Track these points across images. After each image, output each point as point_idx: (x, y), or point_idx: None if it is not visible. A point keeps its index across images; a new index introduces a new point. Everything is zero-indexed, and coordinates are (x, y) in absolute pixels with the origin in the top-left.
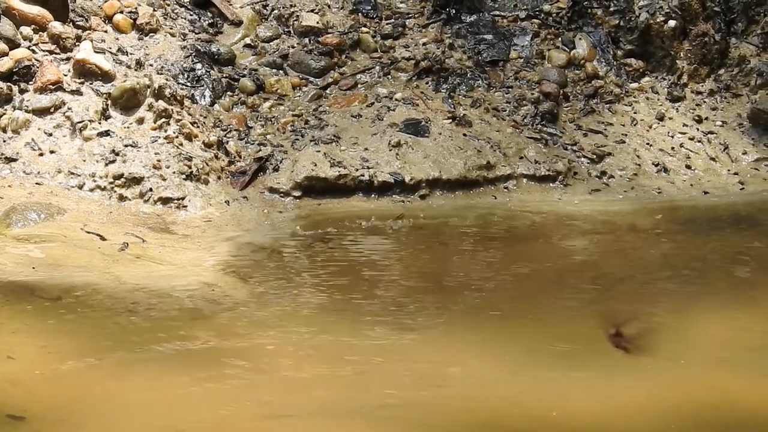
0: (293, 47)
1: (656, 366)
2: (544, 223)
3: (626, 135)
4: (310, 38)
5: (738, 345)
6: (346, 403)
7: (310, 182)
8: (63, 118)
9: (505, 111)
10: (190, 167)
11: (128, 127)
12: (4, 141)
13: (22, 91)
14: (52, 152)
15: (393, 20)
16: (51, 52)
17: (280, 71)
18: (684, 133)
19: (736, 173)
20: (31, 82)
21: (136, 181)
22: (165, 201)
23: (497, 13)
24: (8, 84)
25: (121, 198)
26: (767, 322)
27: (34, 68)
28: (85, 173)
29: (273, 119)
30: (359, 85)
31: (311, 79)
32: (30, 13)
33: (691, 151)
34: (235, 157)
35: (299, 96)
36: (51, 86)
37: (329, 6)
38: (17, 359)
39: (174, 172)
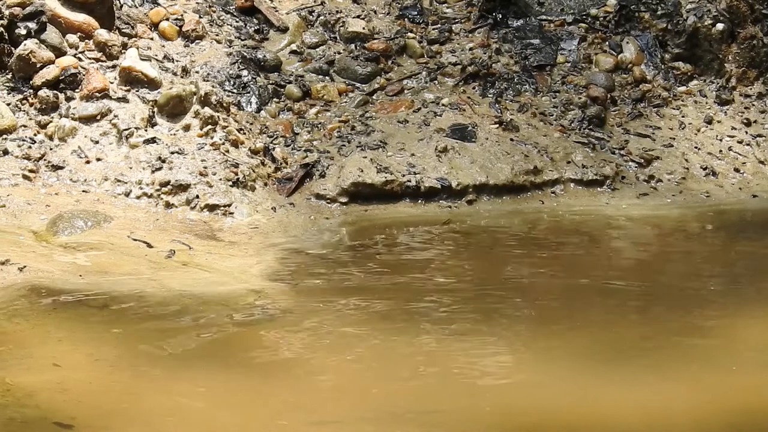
0: (339, 53)
1: (706, 371)
2: (592, 228)
3: (674, 139)
4: (357, 44)
5: None
6: (392, 409)
7: (356, 188)
8: (109, 126)
9: (553, 115)
10: (236, 174)
11: (174, 134)
12: (51, 149)
13: (68, 99)
14: (98, 160)
15: (439, 25)
16: (97, 60)
17: (327, 77)
18: (732, 137)
19: None
20: (77, 90)
21: (183, 188)
22: (211, 208)
23: (544, 17)
24: (55, 92)
25: (168, 205)
26: None
27: (81, 76)
28: (131, 180)
29: (319, 125)
30: (406, 91)
31: (357, 85)
32: (76, 21)
33: (740, 154)
34: (281, 164)
35: (345, 102)
36: (97, 94)
37: (375, 12)
38: (64, 367)
39: (220, 179)
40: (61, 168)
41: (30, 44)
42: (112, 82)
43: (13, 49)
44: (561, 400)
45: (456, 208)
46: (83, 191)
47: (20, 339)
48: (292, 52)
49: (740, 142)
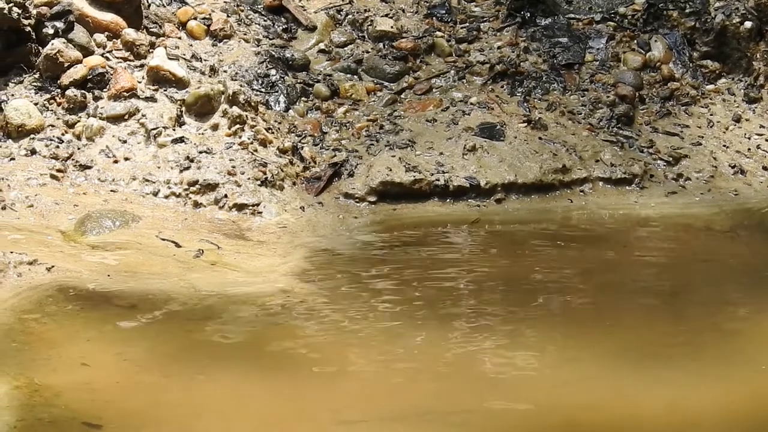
0: (368, 52)
1: (736, 370)
2: (621, 227)
3: (703, 137)
4: (385, 43)
5: None
6: (419, 408)
7: (385, 187)
8: (137, 125)
9: (581, 114)
10: (264, 173)
11: (203, 134)
12: (79, 148)
13: (96, 99)
14: (126, 159)
15: (467, 24)
16: (125, 59)
17: (355, 76)
18: (761, 135)
19: None
20: (105, 90)
21: (211, 187)
22: (240, 207)
23: (572, 15)
24: (82, 91)
25: (196, 204)
26: None
27: (108, 75)
28: (159, 180)
29: (348, 124)
30: (434, 90)
31: (386, 83)
32: (103, 20)
33: None
34: (309, 163)
35: (374, 101)
36: (125, 93)
37: (403, 10)
38: (93, 367)
39: (249, 179)
40: (89, 168)
41: (57, 44)
42: (140, 82)
43: (40, 48)
44: (589, 399)
45: (485, 207)
46: (111, 191)
47: (48, 339)
48: (321, 51)
49: None
